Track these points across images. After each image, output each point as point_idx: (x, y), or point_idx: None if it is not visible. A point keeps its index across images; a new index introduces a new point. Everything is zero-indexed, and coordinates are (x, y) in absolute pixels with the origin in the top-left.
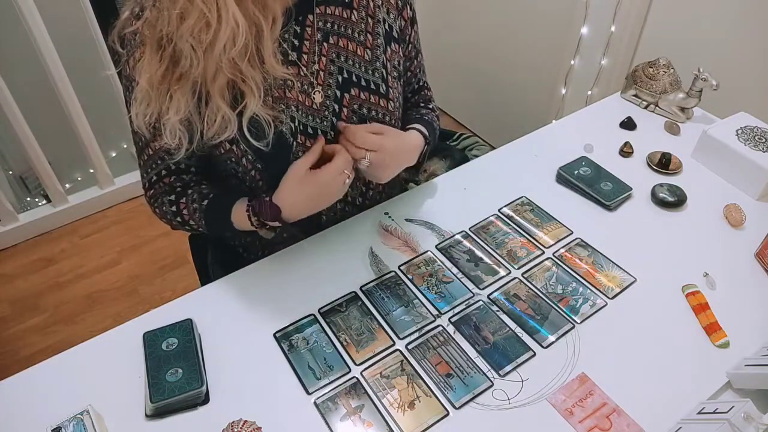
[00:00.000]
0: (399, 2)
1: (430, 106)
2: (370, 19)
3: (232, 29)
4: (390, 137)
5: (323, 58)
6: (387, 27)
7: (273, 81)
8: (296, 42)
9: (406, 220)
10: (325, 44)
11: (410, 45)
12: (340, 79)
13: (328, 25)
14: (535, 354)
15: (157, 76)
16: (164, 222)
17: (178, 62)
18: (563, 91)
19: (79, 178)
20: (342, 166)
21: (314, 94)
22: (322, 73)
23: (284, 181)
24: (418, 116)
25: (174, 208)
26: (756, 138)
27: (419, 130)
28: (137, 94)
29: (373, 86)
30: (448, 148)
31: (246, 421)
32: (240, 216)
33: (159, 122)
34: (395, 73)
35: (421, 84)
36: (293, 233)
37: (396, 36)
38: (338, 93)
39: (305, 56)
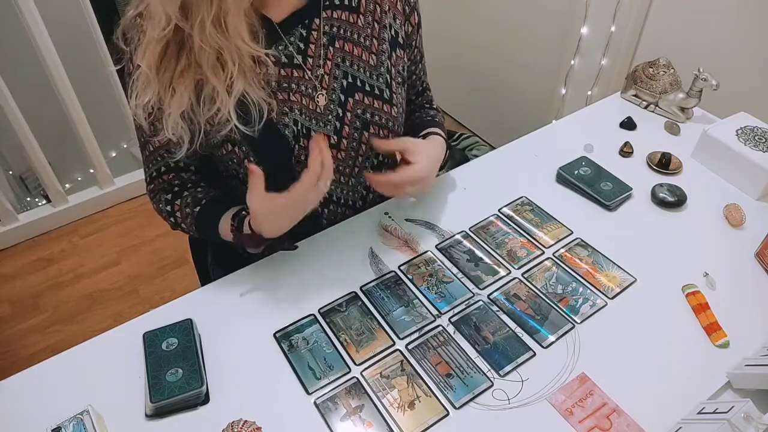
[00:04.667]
0: (406, 8)
1: (435, 107)
2: (376, 24)
3: None
4: (420, 160)
5: (328, 62)
6: (393, 33)
7: (276, 84)
8: (302, 45)
9: (406, 220)
10: (330, 48)
11: (415, 49)
12: (344, 83)
13: (335, 29)
14: (535, 354)
15: (155, 56)
16: (161, 218)
17: (180, 49)
18: (563, 91)
19: (79, 178)
20: (311, 182)
21: (318, 97)
22: (326, 76)
23: (250, 205)
24: (429, 118)
25: (169, 208)
26: (756, 138)
27: (439, 134)
28: (137, 79)
29: (377, 91)
30: (449, 148)
31: (246, 421)
32: (225, 231)
33: (159, 119)
34: (399, 79)
35: (424, 86)
36: (283, 247)
37: (401, 42)
38: (342, 97)
39: (310, 60)
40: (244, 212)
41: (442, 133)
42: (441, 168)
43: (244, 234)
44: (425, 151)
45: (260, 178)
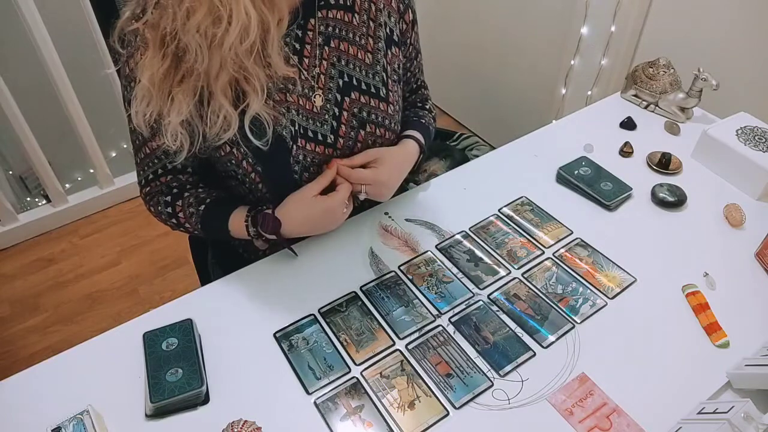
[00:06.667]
0: (400, 6)
1: (427, 107)
2: (371, 23)
3: (243, 24)
4: (384, 167)
5: (324, 62)
6: (388, 30)
7: (274, 84)
8: (297, 45)
9: (406, 220)
10: (326, 48)
11: (411, 47)
12: (340, 82)
13: (330, 28)
14: (535, 354)
15: (159, 74)
16: (159, 220)
17: (181, 60)
18: (563, 91)
19: (79, 178)
20: (345, 196)
21: (315, 97)
22: (322, 76)
23: (291, 198)
24: (416, 119)
25: (169, 210)
26: (756, 138)
27: (415, 138)
28: (138, 92)
29: (373, 90)
30: (448, 148)
31: (246, 421)
32: (237, 225)
33: (158, 122)
34: (395, 77)
35: (419, 83)
36: (286, 247)
37: (396, 39)
38: (339, 97)
39: (306, 60)
40: (259, 207)
41: (420, 137)
42: (416, 171)
43: (268, 214)
44: (392, 162)
45: (333, 171)
